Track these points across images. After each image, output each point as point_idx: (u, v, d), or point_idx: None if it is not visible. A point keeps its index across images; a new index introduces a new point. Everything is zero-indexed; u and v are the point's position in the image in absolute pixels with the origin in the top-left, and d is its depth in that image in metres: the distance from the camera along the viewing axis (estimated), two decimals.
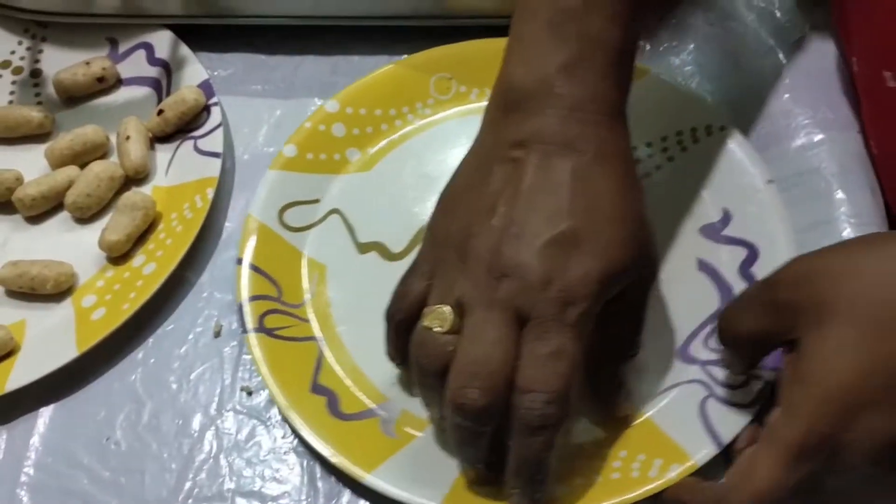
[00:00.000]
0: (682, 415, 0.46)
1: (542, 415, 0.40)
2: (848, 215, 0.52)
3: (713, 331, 0.49)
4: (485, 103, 0.47)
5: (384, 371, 0.50)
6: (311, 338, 0.52)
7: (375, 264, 0.55)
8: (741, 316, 0.43)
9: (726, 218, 0.53)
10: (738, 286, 0.50)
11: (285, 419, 0.49)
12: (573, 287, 0.40)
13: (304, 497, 0.48)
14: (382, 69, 0.61)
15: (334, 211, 0.57)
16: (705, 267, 0.52)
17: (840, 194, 0.53)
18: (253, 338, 0.50)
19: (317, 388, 0.49)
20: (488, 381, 0.40)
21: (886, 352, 0.37)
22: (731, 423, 0.45)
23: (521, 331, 0.40)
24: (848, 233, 0.52)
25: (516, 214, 0.41)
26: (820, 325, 0.38)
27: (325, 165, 0.58)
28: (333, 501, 0.48)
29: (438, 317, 0.42)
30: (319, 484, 0.48)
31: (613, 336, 0.45)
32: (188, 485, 0.48)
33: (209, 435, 0.50)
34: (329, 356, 0.51)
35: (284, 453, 0.49)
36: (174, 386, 0.52)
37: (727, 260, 0.52)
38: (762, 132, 0.57)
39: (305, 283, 0.54)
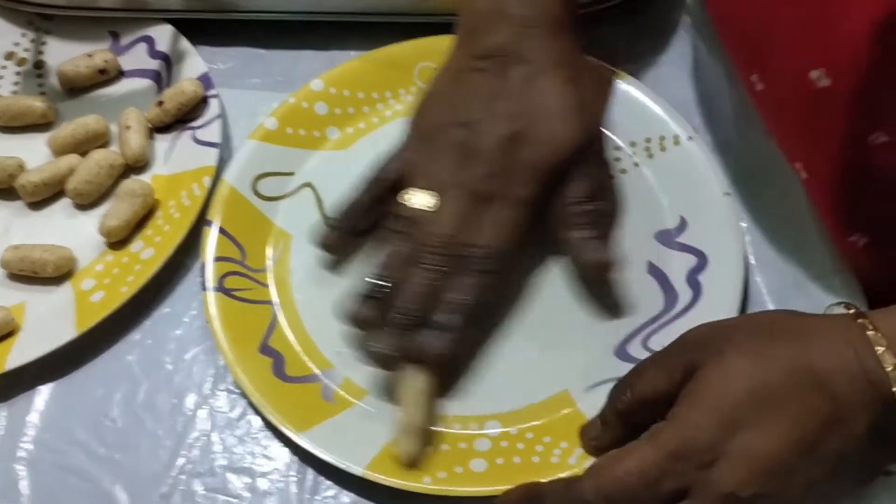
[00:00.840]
0: None
1: (480, 263, 0.49)
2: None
3: (652, 332, 0.51)
4: None
5: (332, 340, 0.52)
6: (268, 302, 0.54)
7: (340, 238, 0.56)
8: (648, 376, 0.44)
9: (682, 225, 0.55)
10: (684, 293, 0.52)
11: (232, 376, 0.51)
12: (521, 173, 0.50)
13: (292, 472, 0.49)
14: (369, 54, 0.63)
15: (307, 184, 0.59)
16: (655, 271, 0.53)
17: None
18: (211, 296, 0.53)
19: (265, 349, 0.52)
20: (445, 239, 0.49)
21: (765, 379, 0.40)
22: None
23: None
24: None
25: (480, 115, 0.51)
26: (721, 354, 0.41)
27: (304, 140, 0.60)
28: (321, 477, 0.49)
29: (417, 197, 0.51)
30: (306, 463, 0.49)
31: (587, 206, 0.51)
32: (181, 461, 0.50)
33: (202, 413, 0.52)
34: (282, 320, 0.53)
35: (275, 432, 0.50)
36: (169, 366, 0.53)
37: (677, 266, 0.53)
38: (731, 115, 0.58)
39: (269, 250, 0.56)
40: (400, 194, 0.51)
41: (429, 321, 0.48)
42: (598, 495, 0.40)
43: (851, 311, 0.42)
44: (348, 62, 0.63)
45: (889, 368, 0.38)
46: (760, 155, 0.56)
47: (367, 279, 0.50)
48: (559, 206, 0.51)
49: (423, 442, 0.47)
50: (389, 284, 0.49)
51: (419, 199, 0.50)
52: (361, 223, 0.54)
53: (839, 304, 0.44)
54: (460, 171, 0.50)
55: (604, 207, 0.53)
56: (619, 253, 0.53)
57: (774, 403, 0.39)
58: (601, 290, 0.53)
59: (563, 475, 0.46)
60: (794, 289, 0.52)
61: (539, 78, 0.51)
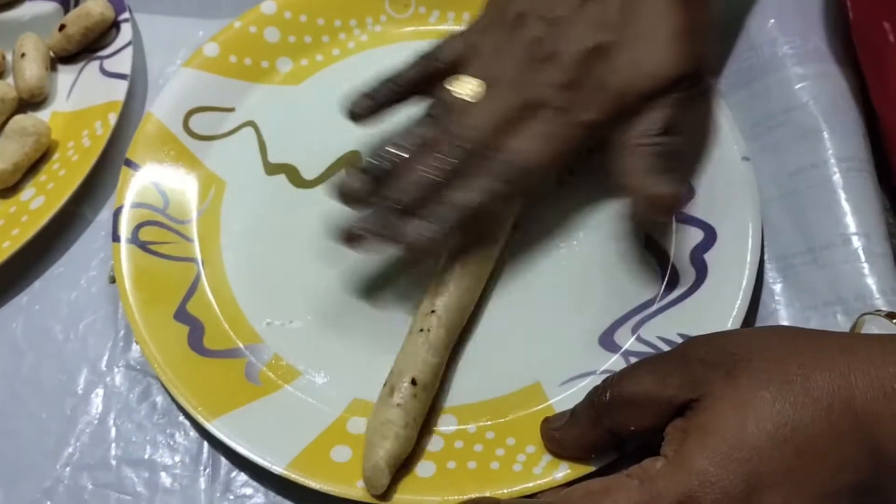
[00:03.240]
0: None
1: (501, 169, 0.42)
2: (838, 159, 0.46)
3: (645, 319, 0.43)
4: (445, 28, 0.46)
5: (263, 309, 0.46)
6: (191, 259, 0.47)
7: (281, 189, 0.50)
8: (638, 376, 0.36)
9: (689, 194, 0.47)
10: (686, 274, 0.44)
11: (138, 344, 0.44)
12: (593, 93, 0.43)
13: (201, 467, 0.42)
14: None
15: (249, 123, 0.52)
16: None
17: (828, 134, 0.46)
18: (123, 248, 0.46)
19: (182, 315, 0.45)
20: (475, 135, 0.42)
21: (796, 421, 0.31)
22: None
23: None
24: (837, 178, 0.45)
25: (569, 14, 0.44)
26: (734, 381, 0.33)
27: (250, 71, 0.53)
28: (234, 473, 0.41)
29: (465, 84, 0.44)
30: (220, 454, 0.42)
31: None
32: (69, 450, 0.43)
33: (96, 393, 0.44)
34: (206, 282, 0.46)
35: (181, 417, 0.43)
36: (60, 336, 0.46)
37: (681, 242, 0.45)
38: (744, 65, 0.51)
39: (197, 199, 0.49)
40: (449, 79, 0.44)
41: (418, 213, 0.42)
42: None
43: None
44: None
45: None
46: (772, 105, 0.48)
47: (371, 155, 0.43)
48: (622, 139, 0.43)
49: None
50: (393, 160, 0.42)
51: (466, 87, 0.43)
52: (399, 98, 0.46)
53: (878, 312, 0.36)
54: (525, 72, 0.43)
55: (678, 146, 0.44)
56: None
57: (806, 455, 0.31)
58: (648, 235, 0.45)
59: (525, 490, 0.38)
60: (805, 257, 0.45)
61: None
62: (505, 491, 0.38)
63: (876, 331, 0.36)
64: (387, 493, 0.38)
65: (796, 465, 0.31)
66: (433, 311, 0.41)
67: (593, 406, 0.37)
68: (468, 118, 0.43)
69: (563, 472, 0.38)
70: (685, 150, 0.45)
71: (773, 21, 0.50)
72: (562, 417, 0.39)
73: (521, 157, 0.42)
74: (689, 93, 0.44)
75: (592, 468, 0.38)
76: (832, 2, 0.52)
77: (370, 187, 0.42)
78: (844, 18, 0.51)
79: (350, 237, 0.42)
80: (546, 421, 0.40)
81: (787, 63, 0.49)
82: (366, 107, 0.46)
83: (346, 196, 0.43)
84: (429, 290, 0.43)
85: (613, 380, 0.37)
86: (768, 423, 0.31)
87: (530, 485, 0.38)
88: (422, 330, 0.41)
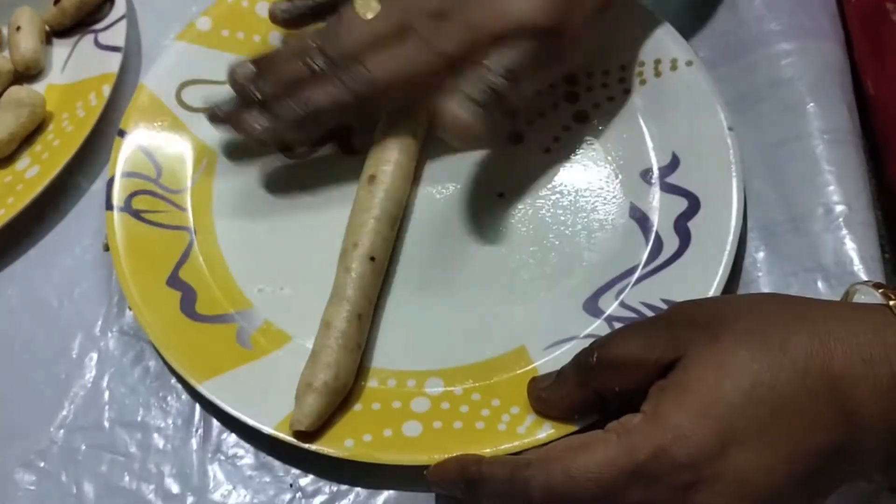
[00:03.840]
0: None
1: (351, 78, 0.44)
2: (821, 131, 0.46)
3: (630, 285, 0.44)
4: None
5: (254, 276, 0.46)
6: (183, 227, 0.47)
7: (273, 159, 0.50)
8: (625, 339, 0.37)
9: (674, 163, 0.47)
10: (670, 241, 0.44)
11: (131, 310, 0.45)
12: (455, 26, 0.44)
13: (192, 428, 0.43)
14: None
15: None
16: (638, 214, 0.46)
17: (813, 107, 0.47)
18: (116, 216, 0.46)
19: (174, 282, 0.45)
20: (345, 51, 0.45)
21: (771, 381, 0.32)
22: None
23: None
24: (821, 150, 0.46)
25: None
26: (716, 341, 0.33)
27: (242, 45, 0.53)
28: (224, 435, 0.42)
29: (367, 3, 0.46)
30: (210, 415, 0.43)
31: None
32: (63, 412, 0.44)
33: (90, 358, 0.45)
34: (198, 249, 0.47)
35: (173, 381, 0.44)
36: (55, 302, 0.47)
37: (664, 210, 0.46)
38: (731, 40, 0.51)
39: (190, 169, 0.49)
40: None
41: (270, 106, 0.45)
42: (545, 494, 0.33)
43: (889, 297, 0.34)
44: None
45: None
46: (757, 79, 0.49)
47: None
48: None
49: (329, 404, 0.40)
50: (272, 58, 0.46)
51: (365, 6, 0.46)
52: (319, 11, 0.50)
53: (867, 283, 0.36)
54: None
55: (510, 94, 0.43)
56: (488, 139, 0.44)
57: (780, 414, 0.31)
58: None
59: (509, 448, 0.39)
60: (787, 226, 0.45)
61: None
62: (489, 450, 0.39)
63: (865, 300, 0.37)
64: (373, 453, 0.39)
65: (770, 423, 0.31)
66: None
67: (580, 368, 0.38)
68: (346, 32, 0.45)
69: (547, 431, 0.39)
70: (519, 102, 0.45)
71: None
72: (548, 378, 0.40)
73: (373, 74, 0.44)
74: (546, 49, 0.44)
75: (575, 427, 0.39)
76: None
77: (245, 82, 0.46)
78: None
79: (211, 116, 0.47)
80: (533, 381, 0.40)
81: (774, 39, 0.50)
82: (282, 12, 0.50)
83: (230, 77, 0.47)
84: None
85: (600, 342, 0.37)
86: (744, 381, 0.32)
87: (515, 444, 0.39)
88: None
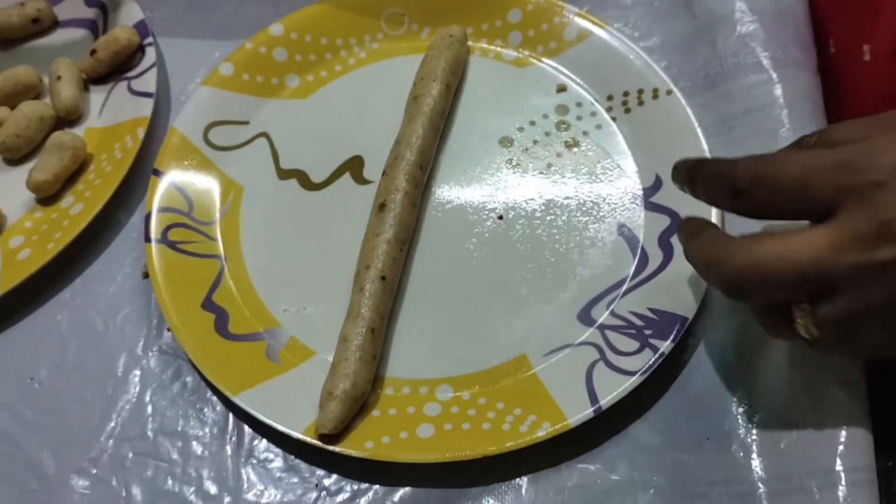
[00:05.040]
0: (568, 375, 0.45)
1: None
2: None
3: (619, 296, 0.48)
4: None
5: (279, 297, 0.50)
6: (214, 256, 0.51)
7: (293, 192, 0.54)
8: (789, 159, 0.37)
9: (657, 185, 0.51)
10: (654, 255, 0.49)
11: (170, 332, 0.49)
12: None
13: (227, 436, 0.47)
14: None
15: (262, 134, 0.56)
16: (626, 233, 0.50)
17: (786, 132, 0.51)
18: (154, 248, 0.50)
19: (208, 305, 0.49)
20: None
21: None
22: (612, 388, 0.43)
23: None
24: None
25: None
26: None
27: (261, 88, 0.57)
28: (256, 441, 0.46)
29: None
30: (243, 423, 0.47)
31: None
32: (111, 424, 0.47)
33: (134, 375, 0.49)
34: (228, 275, 0.50)
35: (208, 394, 0.48)
36: (100, 326, 0.51)
37: (649, 228, 0.50)
38: (710, 72, 0.55)
39: (218, 203, 0.53)
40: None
41: None
42: (748, 175, 0.37)
43: None
44: (311, 6, 0.59)
45: None
46: (734, 107, 0.53)
47: None
48: None
49: (349, 409, 0.44)
50: None
51: None
52: None
53: None
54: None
55: None
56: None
57: None
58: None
59: (513, 446, 0.43)
60: None
61: None
62: (494, 448, 0.42)
63: None
64: (391, 453, 0.43)
65: None
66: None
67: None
68: None
69: (545, 429, 0.43)
70: None
71: (737, 33, 0.54)
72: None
73: None
74: None
75: (570, 426, 0.43)
76: (792, 17, 0.56)
77: None
78: (817, 35, 0.55)
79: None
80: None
81: (749, 70, 0.54)
82: None
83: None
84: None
85: (762, 166, 0.38)
86: None
87: (518, 442, 0.42)
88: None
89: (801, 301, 0.37)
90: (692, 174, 0.41)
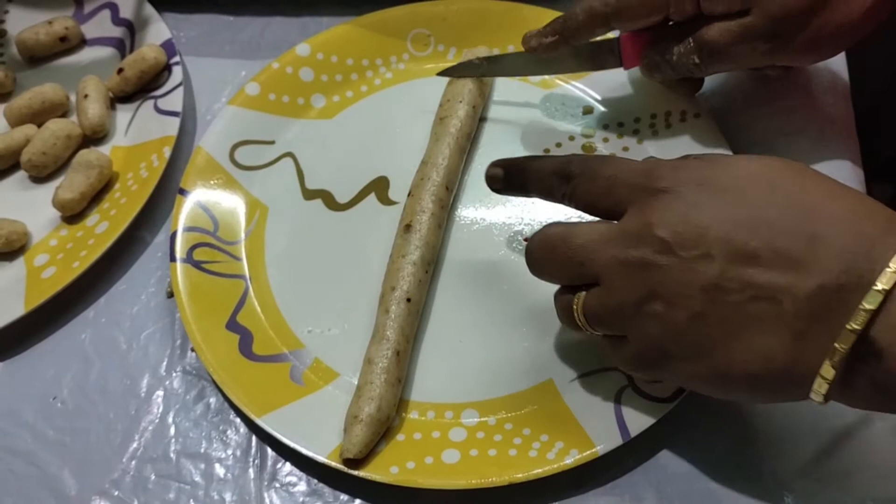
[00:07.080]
0: (596, 401, 0.44)
1: None
2: None
3: None
4: None
5: (304, 319, 0.49)
6: (239, 276, 0.51)
7: (318, 212, 0.54)
8: (614, 160, 0.41)
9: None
10: None
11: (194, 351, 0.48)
12: None
13: (250, 459, 0.46)
14: (360, 18, 0.59)
15: (288, 154, 0.56)
16: None
17: (818, 159, 0.51)
18: (179, 267, 0.50)
19: (233, 325, 0.49)
20: None
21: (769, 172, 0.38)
22: (642, 415, 0.43)
23: None
24: None
25: None
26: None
27: (287, 108, 0.57)
28: (280, 464, 0.46)
29: None
30: (266, 445, 0.47)
31: None
32: (133, 445, 0.47)
33: (157, 395, 0.49)
34: (253, 296, 0.50)
35: (232, 416, 0.48)
36: (124, 346, 0.50)
37: None
38: (738, 95, 0.55)
39: (243, 222, 0.53)
40: None
41: None
42: (579, 165, 0.41)
43: None
44: (337, 27, 0.59)
45: (892, 268, 0.32)
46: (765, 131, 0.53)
47: None
48: None
49: (374, 433, 0.44)
50: None
51: None
52: None
53: None
54: None
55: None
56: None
57: (771, 186, 0.36)
58: None
59: (540, 473, 0.42)
60: None
61: None
62: (521, 475, 0.42)
63: None
64: (416, 479, 0.43)
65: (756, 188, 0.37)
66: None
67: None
68: None
69: (573, 457, 0.42)
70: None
71: None
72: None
73: None
74: None
75: (598, 454, 0.42)
76: None
77: None
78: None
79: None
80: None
81: (780, 94, 0.54)
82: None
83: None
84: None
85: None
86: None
87: (545, 469, 0.42)
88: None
89: (582, 289, 0.40)
90: (525, 168, 0.44)
